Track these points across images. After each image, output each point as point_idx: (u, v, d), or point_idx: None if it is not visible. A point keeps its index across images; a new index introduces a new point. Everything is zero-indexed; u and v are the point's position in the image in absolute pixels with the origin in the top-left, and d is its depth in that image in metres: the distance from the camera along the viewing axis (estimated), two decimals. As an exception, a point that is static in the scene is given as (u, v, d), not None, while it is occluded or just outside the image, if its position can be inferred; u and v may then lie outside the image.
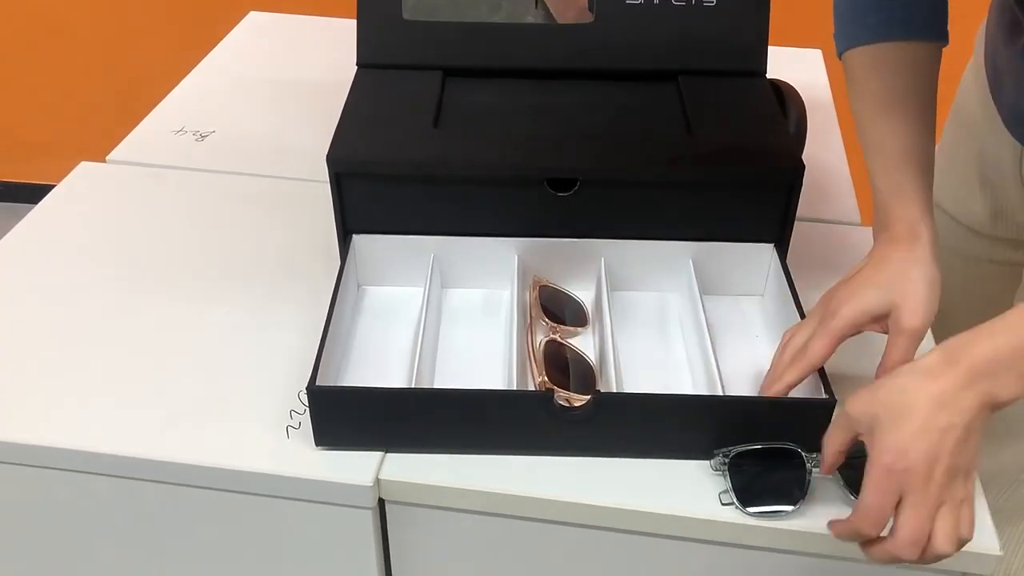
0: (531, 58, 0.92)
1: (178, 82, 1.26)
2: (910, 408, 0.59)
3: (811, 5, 1.75)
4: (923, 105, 0.77)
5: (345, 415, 0.72)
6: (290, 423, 0.77)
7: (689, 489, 0.72)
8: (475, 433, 0.73)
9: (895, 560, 0.61)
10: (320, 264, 0.92)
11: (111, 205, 1.02)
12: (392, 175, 0.82)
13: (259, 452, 0.74)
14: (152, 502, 0.77)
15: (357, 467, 0.73)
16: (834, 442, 0.65)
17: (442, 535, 0.77)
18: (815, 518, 0.70)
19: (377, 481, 0.73)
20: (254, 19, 1.44)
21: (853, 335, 0.73)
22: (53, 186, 1.05)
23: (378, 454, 0.74)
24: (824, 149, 1.13)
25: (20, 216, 1.00)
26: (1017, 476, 0.88)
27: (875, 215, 0.79)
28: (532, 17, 0.91)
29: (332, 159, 0.81)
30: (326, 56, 1.32)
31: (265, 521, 0.77)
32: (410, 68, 0.91)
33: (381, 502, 0.75)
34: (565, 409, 0.72)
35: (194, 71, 1.29)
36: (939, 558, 0.60)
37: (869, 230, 0.98)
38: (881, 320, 0.73)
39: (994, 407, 0.60)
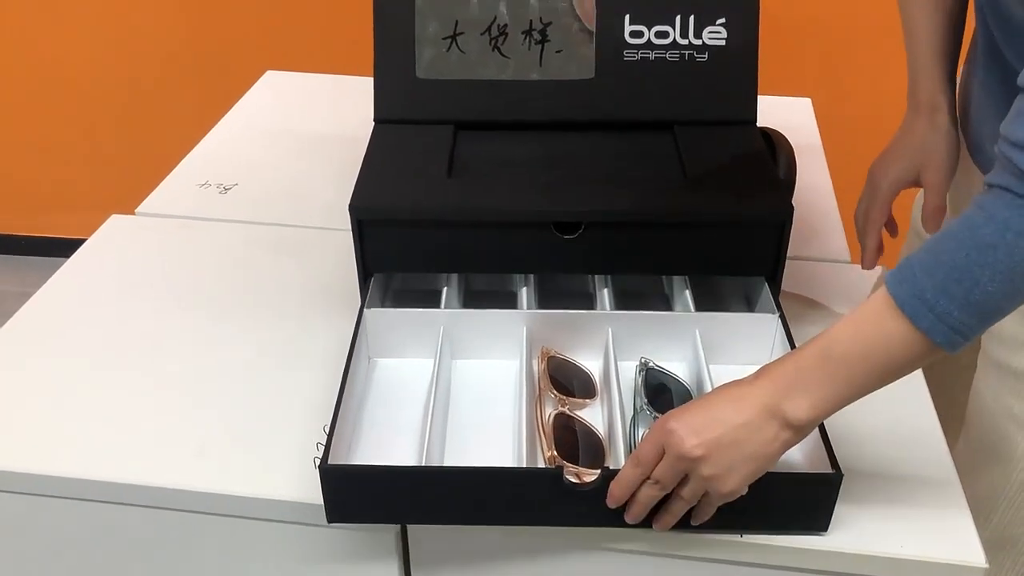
0: (537, 111, 0.98)
1: (200, 138, 1.33)
2: (726, 444, 0.66)
3: (802, 58, 1.83)
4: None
5: (357, 492, 0.73)
6: (316, 454, 0.81)
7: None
8: (486, 508, 0.74)
9: (641, 507, 0.71)
10: (339, 305, 0.97)
11: (142, 254, 1.08)
12: (410, 221, 0.88)
13: (286, 481, 0.79)
14: (181, 531, 0.82)
15: (380, 494, 0.78)
16: (646, 455, 0.69)
17: (463, 554, 0.81)
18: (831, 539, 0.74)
19: (399, 507, 0.77)
20: (271, 78, 1.52)
21: (897, 195, 0.93)
22: (79, 239, 1.11)
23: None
24: (814, 192, 1.19)
25: (48, 269, 1.05)
26: (994, 504, 0.92)
27: (908, 88, 0.95)
28: (537, 74, 0.98)
29: (354, 207, 0.87)
30: (339, 112, 1.39)
31: (292, 547, 0.81)
32: (424, 123, 0.97)
33: (403, 526, 0.79)
34: (575, 485, 0.72)
35: (216, 127, 1.36)
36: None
37: (859, 267, 1.04)
38: (914, 181, 0.91)
39: (795, 428, 0.66)
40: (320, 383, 0.88)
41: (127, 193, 1.22)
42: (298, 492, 0.78)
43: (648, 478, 0.69)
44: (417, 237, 0.89)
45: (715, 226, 0.89)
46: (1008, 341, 0.90)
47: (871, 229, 0.92)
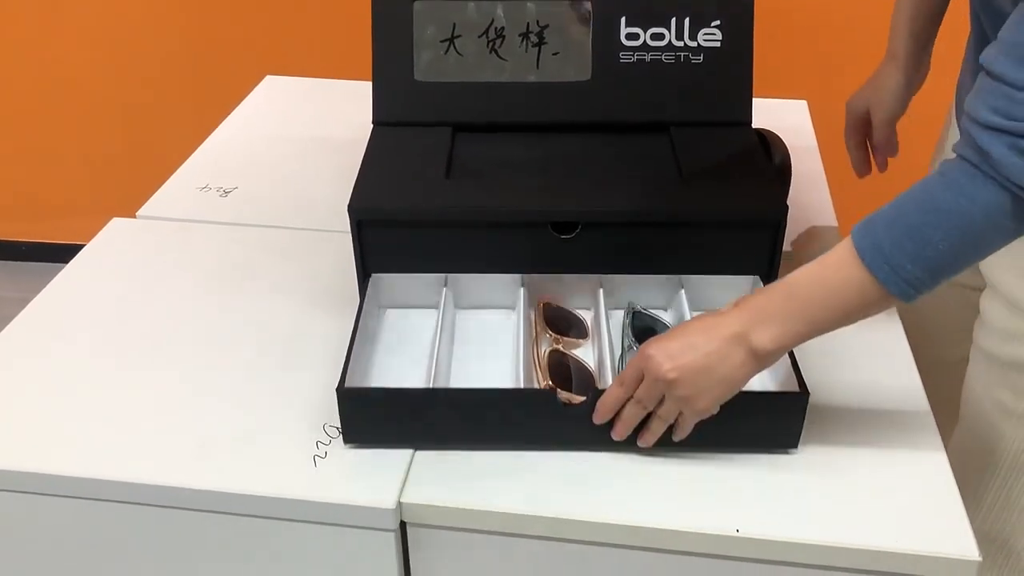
0: (534, 113, 0.99)
1: (199, 143, 1.34)
2: (697, 368, 0.73)
3: (797, 60, 1.84)
4: None
5: (372, 414, 0.80)
6: (316, 452, 0.82)
7: (710, 506, 0.77)
8: (488, 429, 0.80)
9: (626, 425, 0.78)
10: (339, 306, 0.98)
11: (143, 257, 1.09)
12: (408, 222, 0.89)
13: (288, 479, 0.80)
14: (182, 529, 0.83)
15: (380, 491, 0.79)
16: (629, 377, 0.76)
17: (463, 556, 0.82)
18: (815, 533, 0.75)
19: (399, 504, 0.78)
20: (270, 82, 1.53)
21: (862, 123, 1.08)
22: (79, 244, 1.11)
23: (399, 479, 0.79)
24: (811, 191, 1.20)
25: (48, 274, 1.06)
26: (982, 496, 0.93)
27: None
28: (534, 76, 0.99)
29: (354, 208, 0.88)
30: (338, 115, 1.40)
31: (292, 545, 0.82)
32: (422, 125, 0.98)
33: (403, 524, 0.80)
34: (567, 405, 0.79)
35: (215, 132, 1.37)
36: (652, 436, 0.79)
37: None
38: (868, 115, 1.07)
39: (759, 357, 0.73)
40: (320, 382, 0.89)
41: (128, 197, 1.23)
42: (299, 490, 0.79)
43: (631, 398, 0.77)
44: (415, 237, 0.90)
45: (711, 226, 0.90)
46: (997, 331, 0.92)
47: (850, 148, 1.10)
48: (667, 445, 0.80)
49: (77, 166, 2.30)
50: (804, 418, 0.80)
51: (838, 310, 0.71)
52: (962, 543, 0.74)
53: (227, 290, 1.03)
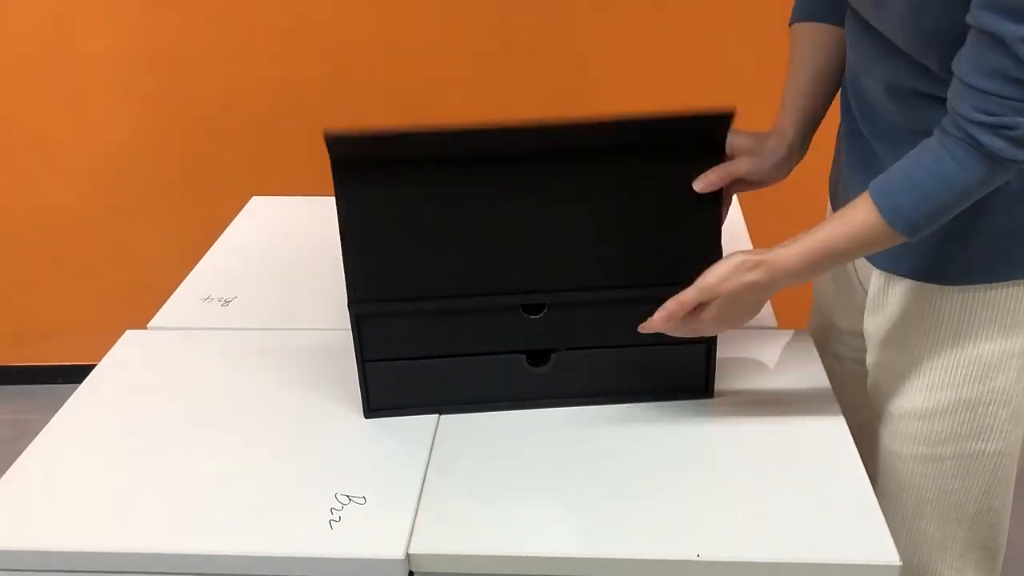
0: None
1: (189, 267, 1.46)
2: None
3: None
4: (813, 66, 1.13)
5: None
6: (331, 517, 0.95)
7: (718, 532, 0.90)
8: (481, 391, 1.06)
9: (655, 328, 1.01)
10: (339, 391, 1.12)
11: (161, 361, 1.22)
12: (401, 312, 1.04)
13: (309, 541, 0.92)
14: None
15: (388, 544, 0.91)
16: (689, 298, 0.98)
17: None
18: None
19: (407, 555, 0.90)
20: (257, 202, 1.68)
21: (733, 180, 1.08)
22: (65, 366, 1.22)
23: (406, 533, 0.92)
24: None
25: (38, 396, 1.15)
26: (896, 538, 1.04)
27: None
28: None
29: (353, 301, 1.02)
30: (321, 229, 1.53)
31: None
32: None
33: (411, 574, 0.92)
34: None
35: (212, 249, 1.51)
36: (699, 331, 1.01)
37: (787, 332, 1.20)
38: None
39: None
40: (331, 459, 1.02)
41: (117, 320, 1.35)
42: (318, 548, 0.91)
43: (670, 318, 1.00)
44: (406, 326, 1.05)
45: (654, 300, 1.04)
46: (884, 393, 1.08)
47: (710, 178, 1.04)
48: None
49: (65, 291, 2.41)
50: (714, 367, 1.07)
51: (859, 253, 0.98)
52: (884, 550, 0.88)
53: (238, 386, 1.16)
